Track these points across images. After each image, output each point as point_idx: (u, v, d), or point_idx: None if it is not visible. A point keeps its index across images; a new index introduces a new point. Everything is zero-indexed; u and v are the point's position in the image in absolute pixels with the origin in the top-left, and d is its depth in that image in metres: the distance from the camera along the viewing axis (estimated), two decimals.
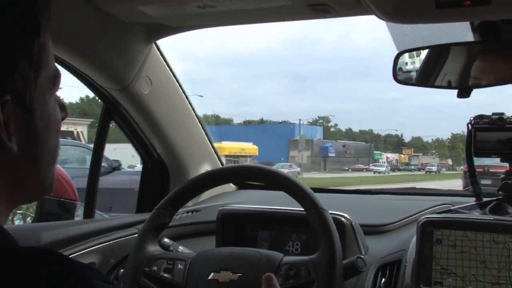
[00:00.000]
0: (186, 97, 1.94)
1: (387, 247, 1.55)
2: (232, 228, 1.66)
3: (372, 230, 1.67)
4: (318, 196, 1.34)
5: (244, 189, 2.33)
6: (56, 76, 0.74)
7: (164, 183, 2.04)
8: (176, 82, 1.88)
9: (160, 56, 1.78)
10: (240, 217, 1.68)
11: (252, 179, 1.58)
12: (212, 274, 1.32)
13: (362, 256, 1.33)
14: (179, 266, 1.38)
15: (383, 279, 1.43)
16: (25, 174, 0.71)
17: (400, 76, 1.50)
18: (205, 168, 2.05)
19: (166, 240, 1.58)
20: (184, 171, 2.01)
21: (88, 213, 1.93)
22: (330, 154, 62.77)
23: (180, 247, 1.58)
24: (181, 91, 1.91)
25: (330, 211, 1.32)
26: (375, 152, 74.70)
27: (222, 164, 2.19)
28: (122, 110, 1.79)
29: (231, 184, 2.30)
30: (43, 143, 0.71)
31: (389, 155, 78.02)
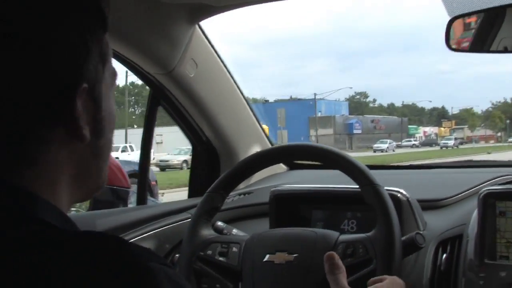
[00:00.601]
0: (233, 78, 1.92)
1: (446, 222, 1.50)
2: (285, 209, 1.64)
3: (430, 205, 1.61)
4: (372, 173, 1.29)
5: (295, 169, 2.30)
6: (115, 73, 0.76)
7: (214, 166, 2.03)
8: (221, 64, 1.86)
9: (204, 38, 1.76)
10: (293, 197, 1.66)
11: (303, 158, 1.55)
12: (267, 256, 1.30)
13: (421, 232, 1.28)
14: (234, 249, 1.37)
15: (444, 255, 1.38)
16: (88, 167, 0.71)
17: (453, 43, 1.43)
18: (255, 149, 2.03)
19: (219, 223, 1.57)
20: (234, 153, 2.00)
21: (141, 200, 1.94)
22: (355, 131, 56.48)
23: (234, 230, 1.56)
24: (227, 72, 1.89)
25: (385, 187, 1.27)
26: (410, 126, 67.99)
27: (272, 144, 2.16)
28: (168, 95, 1.78)
29: (282, 165, 2.27)
30: (105, 136, 0.72)
31: (427, 129, 72.13)
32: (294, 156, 1.53)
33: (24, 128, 0.62)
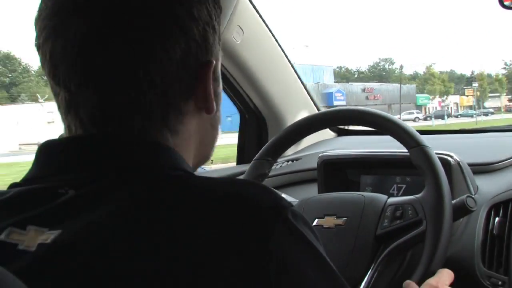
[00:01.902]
0: (279, 44, 1.91)
1: (499, 186, 1.47)
2: (334, 174, 1.64)
3: (481, 169, 1.58)
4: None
5: (344, 135, 2.29)
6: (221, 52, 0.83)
7: (262, 133, 2.04)
8: (267, 30, 1.85)
9: (250, 5, 1.75)
10: (341, 162, 1.65)
11: (349, 122, 1.53)
12: (316, 220, 1.31)
13: (472, 196, 1.26)
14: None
15: (497, 219, 1.36)
16: (207, 137, 0.81)
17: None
18: (302, 115, 2.02)
19: None
20: (281, 119, 2.00)
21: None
22: (337, 102, 44.15)
23: (282, 195, 1.57)
24: (273, 38, 1.88)
25: (435, 151, 1.25)
26: (419, 96, 52.58)
27: (319, 110, 2.15)
28: None
29: (330, 131, 2.27)
30: (219, 109, 0.81)
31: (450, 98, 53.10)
32: (339, 121, 1.52)
33: (169, 103, 0.71)
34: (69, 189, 0.64)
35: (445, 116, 40.90)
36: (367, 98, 47.12)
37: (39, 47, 0.70)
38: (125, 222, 0.60)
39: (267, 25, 1.84)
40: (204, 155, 0.83)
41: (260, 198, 0.64)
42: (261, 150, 1.46)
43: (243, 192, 0.65)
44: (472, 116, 39.27)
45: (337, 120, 1.49)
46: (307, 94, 2.10)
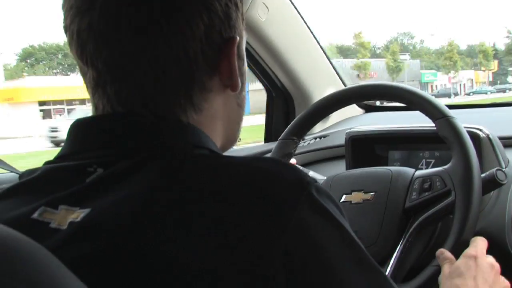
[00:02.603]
0: (304, 21, 1.89)
1: None
2: (362, 150, 1.63)
3: None
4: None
5: (372, 111, 2.27)
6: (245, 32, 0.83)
7: (289, 110, 2.04)
8: (293, 7, 1.84)
9: None
10: (369, 138, 1.64)
11: (374, 97, 1.51)
12: (344, 196, 1.31)
13: (503, 169, 1.24)
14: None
15: None
16: (234, 116, 0.81)
17: None
18: (329, 91, 2.00)
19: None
20: (308, 97, 1.99)
21: None
22: None
23: (310, 172, 1.57)
24: (298, 15, 1.87)
25: (464, 125, 1.23)
26: (425, 72, 46.48)
27: (345, 86, 2.14)
28: None
29: (358, 107, 2.25)
30: (244, 89, 0.81)
31: (460, 73, 43.50)
32: (364, 97, 1.50)
33: (194, 78, 0.71)
34: (97, 167, 0.66)
35: (452, 95, 37.15)
36: (358, 76, 40.24)
37: (67, 28, 0.70)
38: (151, 201, 0.61)
39: (292, 2, 1.83)
40: (233, 135, 0.83)
41: (283, 173, 0.64)
42: (286, 130, 1.46)
43: (267, 168, 0.65)
44: (486, 93, 34.98)
45: (362, 95, 1.47)
46: (333, 70, 2.09)
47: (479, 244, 1.05)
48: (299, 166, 1.56)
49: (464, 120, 1.24)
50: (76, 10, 0.68)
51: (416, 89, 1.31)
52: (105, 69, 0.69)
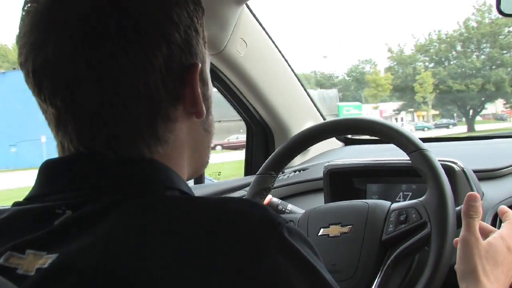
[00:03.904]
0: (282, 55, 1.92)
1: (505, 192, 1.47)
2: (340, 183, 1.64)
3: (487, 175, 1.58)
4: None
5: (351, 145, 2.29)
6: (208, 55, 0.81)
7: (268, 144, 2.05)
8: (271, 42, 1.87)
9: (253, 17, 1.77)
10: (347, 171, 1.66)
11: (349, 131, 1.53)
12: (321, 230, 1.31)
13: None
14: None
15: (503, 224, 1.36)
16: (201, 143, 0.80)
17: (505, 7, 1.38)
18: (308, 125, 2.02)
19: (274, 199, 1.58)
20: (287, 130, 2.01)
21: (199, 179, 1.98)
22: None
23: (289, 206, 1.58)
24: (277, 50, 1.90)
25: (439, 158, 1.25)
26: (345, 104, 31.78)
27: (324, 119, 2.16)
28: (220, 75, 1.81)
29: (337, 141, 2.28)
30: (211, 113, 0.80)
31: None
32: (339, 130, 1.51)
33: (156, 110, 0.69)
34: (66, 209, 0.64)
35: None
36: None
37: (22, 65, 0.69)
38: (121, 246, 0.59)
39: (270, 37, 1.86)
40: (201, 161, 0.82)
41: (253, 215, 0.62)
42: (264, 164, 1.46)
43: (238, 210, 0.63)
44: (423, 130, 26.74)
45: (336, 130, 1.48)
46: (312, 104, 2.11)
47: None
48: (276, 200, 1.56)
49: (438, 154, 1.26)
50: (30, 47, 0.67)
51: (390, 122, 1.33)
52: (64, 107, 0.67)
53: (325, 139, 1.47)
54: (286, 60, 1.94)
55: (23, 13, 0.69)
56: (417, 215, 1.21)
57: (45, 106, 0.69)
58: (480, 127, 21.57)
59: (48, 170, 0.70)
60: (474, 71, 24.19)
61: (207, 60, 0.79)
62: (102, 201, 0.64)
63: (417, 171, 1.24)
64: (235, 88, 1.87)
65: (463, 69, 24.75)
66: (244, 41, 1.73)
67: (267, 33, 1.84)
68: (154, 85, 0.68)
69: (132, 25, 0.66)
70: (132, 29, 0.66)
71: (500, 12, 1.36)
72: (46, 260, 0.59)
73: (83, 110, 0.67)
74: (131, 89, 0.67)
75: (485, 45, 25.20)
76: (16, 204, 0.70)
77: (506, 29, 23.91)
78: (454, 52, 26.34)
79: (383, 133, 1.31)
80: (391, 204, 1.29)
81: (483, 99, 23.35)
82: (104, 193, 0.65)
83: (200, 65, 0.73)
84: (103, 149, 0.68)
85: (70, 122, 0.68)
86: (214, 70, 1.79)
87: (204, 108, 0.74)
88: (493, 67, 23.71)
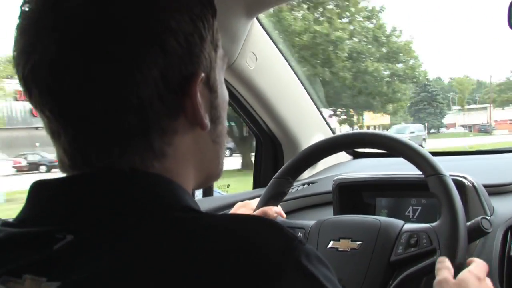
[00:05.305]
0: (292, 68, 1.93)
1: None
2: (349, 197, 1.64)
3: (497, 190, 1.58)
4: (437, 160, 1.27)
5: (359, 158, 2.29)
6: (225, 56, 0.77)
7: (277, 157, 2.05)
8: (281, 55, 1.87)
9: (263, 31, 1.77)
10: (356, 185, 1.66)
11: (365, 146, 1.53)
12: (331, 242, 1.31)
13: (488, 217, 1.25)
14: (299, 234, 1.39)
15: None
16: (209, 155, 0.74)
17: None
18: (317, 138, 2.03)
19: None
20: (297, 143, 2.01)
21: (207, 192, 1.98)
22: None
23: (298, 221, 1.57)
24: (287, 63, 1.90)
25: (450, 173, 1.25)
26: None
27: (334, 133, 2.16)
28: (230, 88, 1.81)
29: (345, 154, 2.27)
30: (222, 122, 0.75)
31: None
32: (354, 144, 1.52)
33: (152, 124, 0.64)
34: (66, 234, 0.59)
35: None
36: None
37: (16, 70, 0.65)
38: (127, 274, 0.55)
39: (280, 50, 1.86)
40: (210, 173, 0.77)
41: (269, 238, 0.59)
42: (280, 169, 1.47)
43: (251, 232, 0.59)
44: None
45: (354, 143, 1.49)
46: (321, 117, 2.11)
47: (483, 266, 1.06)
48: (284, 221, 1.55)
49: (448, 168, 1.26)
50: (20, 52, 0.63)
51: (409, 141, 1.32)
52: (53, 117, 0.63)
53: (340, 151, 1.47)
54: (295, 73, 1.94)
55: (18, 16, 0.66)
56: (428, 240, 1.20)
57: (39, 113, 0.65)
58: None
59: (41, 192, 0.65)
60: None
61: (218, 65, 0.73)
62: (104, 225, 0.59)
63: (428, 187, 1.23)
64: (245, 101, 1.87)
65: None
66: (254, 54, 1.73)
67: (277, 46, 1.84)
68: (148, 98, 0.63)
69: (121, 34, 0.61)
70: (122, 38, 0.61)
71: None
72: (47, 287, 0.56)
73: (71, 121, 0.63)
74: (121, 101, 0.62)
75: None
76: (5, 224, 0.65)
77: None
78: None
79: (400, 151, 1.31)
80: (403, 225, 1.29)
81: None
82: (105, 217, 0.60)
83: (202, 74, 0.67)
84: (97, 163, 0.64)
85: (62, 133, 0.64)
86: None
87: (206, 120, 0.69)
88: None
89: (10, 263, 0.59)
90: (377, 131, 1.43)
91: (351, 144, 1.55)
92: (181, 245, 0.57)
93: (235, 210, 1.53)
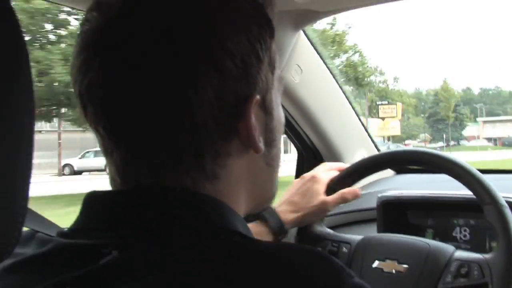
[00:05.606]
0: (337, 82, 1.90)
1: None
2: (394, 215, 1.60)
3: None
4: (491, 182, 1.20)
5: (403, 173, 2.24)
6: (282, 78, 0.76)
7: None
8: (326, 68, 1.84)
9: (309, 43, 1.75)
10: (402, 203, 1.61)
11: (415, 164, 1.47)
12: (376, 262, 1.28)
13: None
14: (344, 249, 1.35)
15: None
16: (262, 178, 0.74)
17: None
18: (361, 154, 2.00)
19: (326, 230, 1.54)
20: (339, 158, 1.97)
21: None
22: None
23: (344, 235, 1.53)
24: (331, 77, 1.87)
25: (502, 194, 1.19)
26: None
27: (378, 149, 2.12)
28: None
29: (389, 169, 2.23)
30: (277, 145, 0.74)
31: None
32: (403, 162, 1.46)
33: (201, 144, 0.64)
34: (112, 249, 0.59)
35: None
36: None
37: (73, 87, 0.66)
38: None
39: (325, 63, 1.84)
40: (263, 197, 0.76)
41: (317, 271, 0.57)
42: (337, 175, 1.42)
43: (299, 264, 0.58)
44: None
45: (401, 161, 1.44)
46: (365, 132, 2.08)
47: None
48: (331, 234, 1.51)
49: (502, 188, 1.20)
50: (77, 69, 0.64)
51: (467, 164, 1.24)
52: (106, 135, 0.64)
53: (388, 168, 1.43)
54: (340, 87, 1.92)
55: (78, 35, 0.66)
56: (480, 273, 1.14)
57: (94, 131, 0.66)
58: None
59: (94, 204, 0.66)
60: None
61: (275, 86, 0.72)
62: (150, 244, 0.59)
63: (476, 207, 1.17)
64: (288, 114, 1.84)
65: None
66: (299, 67, 1.71)
67: (322, 59, 1.82)
68: (201, 119, 0.62)
69: (176, 54, 0.61)
70: (177, 58, 0.61)
71: None
72: None
73: (123, 138, 0.64)
74: (173, 121, 0.62)
75: None
76: (59, 234, 0.65)
77: None
78: None
79: (456, 174, 1.24)
80: (454, 251, 1.23)
81: None
82: (151, 235, 0.60)
83: (257, 96, 0.66)
84: (148, 181, 0.64)
85: (114, 150, 0.65)
86: None
87: (260, 143, 0.68)
88: None
89: (56, 276, 0.58)
90: (425, 149, 1.37)
91: (398, 162, 1.50)
92: (223, 271, 0.56)
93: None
